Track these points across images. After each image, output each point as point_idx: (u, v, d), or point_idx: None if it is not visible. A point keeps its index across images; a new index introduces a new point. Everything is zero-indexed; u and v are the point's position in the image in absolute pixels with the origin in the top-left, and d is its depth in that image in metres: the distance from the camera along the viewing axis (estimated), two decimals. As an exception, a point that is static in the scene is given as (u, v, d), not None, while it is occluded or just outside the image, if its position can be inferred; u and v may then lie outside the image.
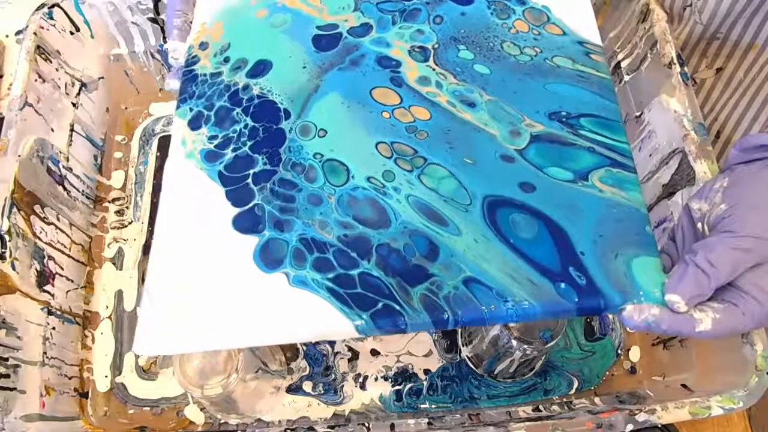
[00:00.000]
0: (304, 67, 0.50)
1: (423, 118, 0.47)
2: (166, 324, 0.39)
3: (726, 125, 0.65)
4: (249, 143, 0.46)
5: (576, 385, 0.56)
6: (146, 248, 0.61)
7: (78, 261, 0.59)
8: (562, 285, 0.39)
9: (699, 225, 0.37)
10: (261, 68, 0.50)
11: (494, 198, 0.43)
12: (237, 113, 0.47)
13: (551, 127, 0.46)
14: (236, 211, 0.43)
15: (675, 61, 0.53)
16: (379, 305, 0.39)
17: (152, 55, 0.65)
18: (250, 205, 0.43)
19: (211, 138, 0.46)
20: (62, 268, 0.56)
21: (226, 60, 0.50)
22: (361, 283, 0.40)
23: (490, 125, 0.46)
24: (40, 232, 0.53)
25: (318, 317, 0.39)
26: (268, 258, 0.41)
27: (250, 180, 0.44)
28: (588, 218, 0.41)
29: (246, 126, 0.47)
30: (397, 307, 0.39)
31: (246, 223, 0.43)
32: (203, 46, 0.51)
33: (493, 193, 0.43)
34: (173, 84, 0.51)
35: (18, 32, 0.68)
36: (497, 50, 0.50)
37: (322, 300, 0.39)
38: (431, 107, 0.48)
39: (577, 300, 0.38)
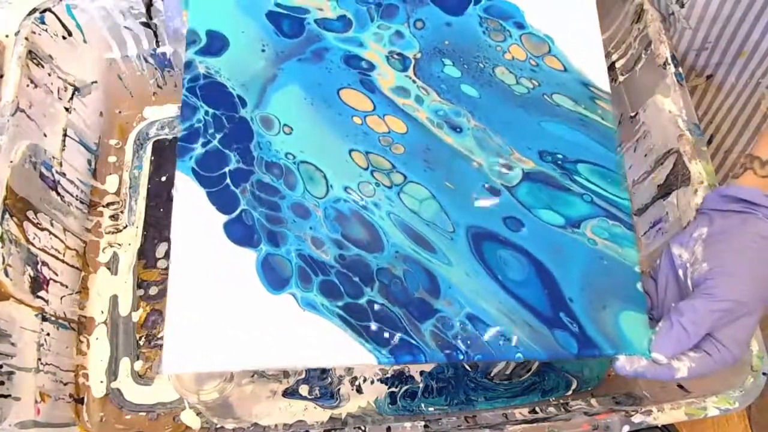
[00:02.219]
0: (263, 51, 0.47)
1: (399, 130, 0.45)
2: (189, 344, 0.40)
3: (720, 129, 0.65)
4: (218, 136, 0.45)
5: (574, 386, 0.56)
6: (141, 253, 0.61)
7: (72, 266, 0.59)
8: (559, 332, 0.40)
9: (680, 272, 0.41)
10: (218, 46, 0.47)
11: (479, 230, 0.43)
12: (186, 96, 0.46)
13: (544, 167, 0.45)
14: (225, 218, 0.43)
15: (669, 61, 0.53)
16: (396, 339, 0.40)
17: (145, 59, 0.64)
18: (237, 211, 0.43)
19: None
20: (56, 274, 0.56)
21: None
22: (374, 315, 0.40)
23: (475, 153, 0.45)
24: (34, 238, 0.53)
25: (338, 348, 0.40)
26: (273, 278, 0.41)
27: (228, 181, 0.44)
28: (576, 265, 0.42)
29: (207, 113, 0.45)
30: (414, 342, 0.40)
31: (239, 234, 0.42)
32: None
33: (477, 225, 0.43)
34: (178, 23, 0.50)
35: (18, 33, 0.67)
36: (488, 74, 0.48)
37: (338, 329, 0.40)
38: (408, 120, 0.46)
39: (576, 351, 0.40)
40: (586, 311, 0.41)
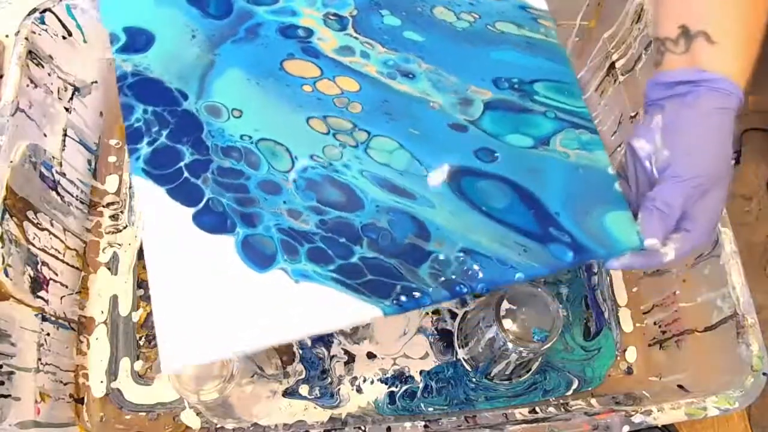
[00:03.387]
0: (193, 37, 0.46)
1: (352, 89, 0.45)
2: (185, 340, 0.38)
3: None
4: (164, 132, 0.43)
5: (575, 385, 0.56)
6: (141, 253, 0.61)
7: (72, 266, 0.59)
8: (552, 245, 0.40)
9: (647, 163, 0.42)
10: (142, 41, 0.45)
11: (454, 168, 0.43)
12: (121, 96, 0.43)
13: (502, 94, 0.45)
14: (191, 210, 0.41)
15: (669, 61, 0.53)
16: (397, 288, 0.39)
17: (145, 58, 0.64)
18: (204, 201, 0.41)
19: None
20: (56, 274, 0.56)
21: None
22: (369, 271, 0.39)
23: (432, 95, 0.45)
24: (34, 238, 0.53)
25: (340, 310, 0.38)
26: (257, 257, 0.40)
27: (187, 174, 0.42)
28: (554, 181, 0.42)
29: (146, 111, 0.43)
30: (414, 287, 0.39)
31: (211, 223, 0.41)
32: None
33: (452, 163, 0.43)
34: None
35: (18, 33, 0.67)
36: (428, 16, 0.48)
37: (336, 291, 0.39)
38: (359, 78, 0.45)
39: (572, 259, 0.40)
40: (573, 221, 0.41)
